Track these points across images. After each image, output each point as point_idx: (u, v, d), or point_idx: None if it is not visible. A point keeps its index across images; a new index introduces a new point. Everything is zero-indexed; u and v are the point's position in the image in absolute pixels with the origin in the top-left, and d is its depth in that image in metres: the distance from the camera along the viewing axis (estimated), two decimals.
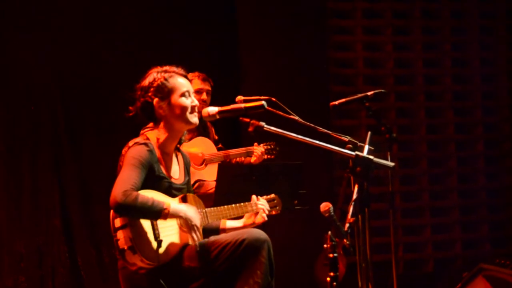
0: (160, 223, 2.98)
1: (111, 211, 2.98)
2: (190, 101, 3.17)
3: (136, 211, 2.89)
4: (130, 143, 3.09)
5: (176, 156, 3.26)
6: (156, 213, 2.93)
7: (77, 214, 5.03)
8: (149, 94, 3.12)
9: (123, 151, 3.08)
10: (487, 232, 6.39)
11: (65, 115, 5.09)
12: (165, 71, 3.16)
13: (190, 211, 3.06)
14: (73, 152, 5.08)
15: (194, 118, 3.17)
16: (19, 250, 4.87)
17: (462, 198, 6.38)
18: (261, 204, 3.35)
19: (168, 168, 3.17)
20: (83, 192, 5.07)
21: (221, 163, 4.21)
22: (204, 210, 3.19)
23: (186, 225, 3.04)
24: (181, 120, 3.14)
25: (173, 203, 3.00)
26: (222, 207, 3.27)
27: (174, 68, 3.19)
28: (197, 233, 3.05)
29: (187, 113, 3.14)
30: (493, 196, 6.46)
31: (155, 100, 3.12)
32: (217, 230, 3.31)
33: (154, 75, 3.15)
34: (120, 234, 2.93)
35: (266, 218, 3.33)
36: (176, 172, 3.22)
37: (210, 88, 4.48)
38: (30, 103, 5.03)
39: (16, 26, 5.02)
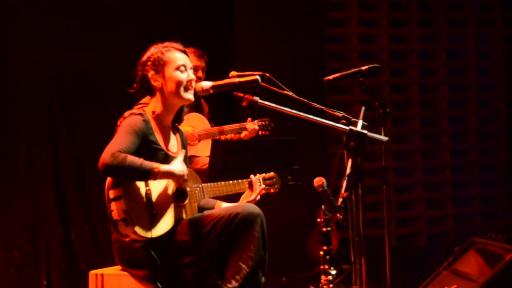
0: (156, 196, 2.98)
1: (106, 182, 2.98)
2: (185, 75, 3.15)
3: (125, 172, 2.88)
4: (126, 113, 3.10)
5: (173, 131, 3.26)
6: (146, 172, 2.92)
7: (71, 190, 5.03)
8: (146, 67, 3.14)
9: (118, 122, 3.09)
10: (478, 207, 6.44)
11: (60, 91, 5.06)
12: (164, 46, 3.18)
13: (179, 168, 3.04)
14: (67, 128, 5.06)
15: (188, 95, 3.16)
16: (13, 226, 4.87)
17: (455, 173, 6.41)
18: (260, 182, 3.35)
19: (165, 140, 3.18)
20: (77, 168, 5.06)
21: (214, 139, 4.21)
22: (200, 185, 3.19)
23: (179, 198, 3.05)
24: (175, 95, 3.14)
25: (163, 165, 3.00)
26: (219, 183, 3.27)
27: (173, 44, 3.20)
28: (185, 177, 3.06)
29: (182, 88, 3.13)
30: (485, 172, 6.50)
31: (151, 73, 3.13)
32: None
33: (152, 50, 3.17)
34: (114, 206, 2.93)
35: (258, 197, 3.33)
36: (174, 146, 3.23)
37: (205, 65, 4.47)
38: (25, 80, 4.99)
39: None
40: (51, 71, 5.05)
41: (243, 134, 4.42)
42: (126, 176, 2.92)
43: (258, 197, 3.35)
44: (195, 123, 4.41)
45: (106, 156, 2.87)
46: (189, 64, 3.19)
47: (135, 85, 3.21)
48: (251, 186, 3.37)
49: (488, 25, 6.54)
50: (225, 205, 3.36)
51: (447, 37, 6.43)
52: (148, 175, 2.93)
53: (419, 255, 5.97)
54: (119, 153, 2.88)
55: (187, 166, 3.27)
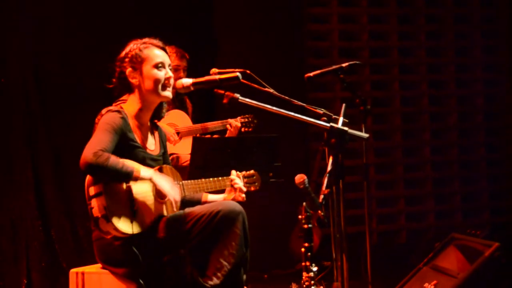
0: (136, 193, 2.97)
1: (86, 179, 2.96)
2: (163, 73, 3.14)
3: (106, 172, 2.87)
4: (103, 111, 3.08)
5: (151, 129, 3.25)
6: (125, 175, 2.91)
7: (50, 187, 4.99)
8: (124, 64, 3.12)
9: (96, 120, 3.07)
10: (459, 203, 6.49)
11: (38, 88, 5.01)
12: (143, 43, 3.16)
13: (161, 180, 3.02)
14: (46, 125, 5.01)
15: (166, 92, 3.14)
16: None
17: (435, 170, 6.46)
18: (238, 181, 3.33)
19: (143, 138, 3.16)
20: (56, 166, 5.02)
21: (195, 136, 4.20)
22: (181, 183, 3.18)
23: (160, 195, 3.03)
24: (153, 92, 3.12)
25: (144, 169, 2.98)
26: (200, 180, 3.25)
27: (152, 40, 3.18)
28: (174, 205, 3.04)
29: (159, 86, 3.12)
30: (465, 168, 6.56)
31: (128, 70, 3.11)
32: (198, 203, 3.31)
33: (131, 46, 3.15)
34: (94, 202, 2.92)
35: (244, 198, 3.32)
36: (152, 144, 3.21)
37: (186, 64, 4.46)
38: (1, 76, 4.94)
39: None
40: (30, 67, 5.00)
41: (227, 133, 4.41)
42: (107, 176, 2.90)
43: (242, 197, 3.32)
44: (177, 120, 4.40)
45: (88, 154, 2.85)
46: (167, 61, 3.18)
47: (114, 80, 3.18)
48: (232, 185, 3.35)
49: (467, 21, 6.60)
50: (211, 196, 3.36)
51: (426, 35, 6.47)
52: (127, 177, 2.92)
53: (400, 251, 6.01)
54: (102, 153, 2.86)
55: (167, 163, 3.26)
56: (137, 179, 2.94)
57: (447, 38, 6.53)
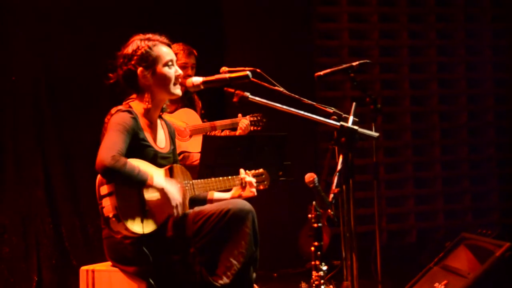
0: (147, 193, 2.96)
1: (97, 178, 2.96)
2: (173, 70, 3.14)
3: (122, 177, 2.87)
4: (113, 110, 3.06)
5: (160, 125, 3.25)
6: (139, 182, 2.92)
7: (61, 185, 5.01)
8: (132, 62, 3.08)
9: (105, 119, 3.06)
10: (469, 202, 6.47)
11: (47, 86, 5.04)
12: (149, 39, 3.12)
13: (172, 189, 3.02)
14: (55, 123, 5.04)
15: (177, 90, 3.15)
16: (3, 222, 4.85)
17: (445, 169, 6.44)
18: (249, 178, 3.33)
19: (153, 137, 3.16)
20: (66, 163, 5.05)
21: (205, 134, 4.20)
22: (191, 182, 3.18)
23: (168, 199, 3.02)
24: (164, 91, 3.12)
25: (157, 177, 2.98)
26: (209, 179, 3.25)
27: (157, 37, 3.15)
28: (178, 209, 3.03)
29: (171, 84, 3.12)
30: (475, 168, 6.52)
31: (139, 69, 3.08)
32: (204, 201, 3.31)
33: (138, 43, 3.10)
34: (105, 202, 2.91)
35: (255, 193, 3.31)
36: (162, 141, 3.21)
37: (194, 62, 4.45)
38: (12, 75, 4.96)
39: None
40: (40, 66, 5.02)
41: (238, 131, 4.41)
42: (121, 180, 2.90)
43: (252, 191, 3.31)
44: (186, 118, 4.40)
45: (106, 157, 2.84)
46: (174, 57, 3.17)
47: (111, 75, 3.12)
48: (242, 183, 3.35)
49: (477, 20, 6.56)
50: (217, 194, 3.35)
51: (436, 33, 6.44)
52: (140, 185, 2.92)
53: (410, 250, 5.99)
54: (119, 157, 2.86)
55: (176, 160, 3.26)
56: (149, 187, 2.94)
57: (458, 37, 6.50)
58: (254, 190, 3.32)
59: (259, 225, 3.10)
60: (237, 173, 3.35)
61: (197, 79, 3.09)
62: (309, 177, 2.72)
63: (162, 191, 2.98)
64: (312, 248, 2.83)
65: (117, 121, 2.99)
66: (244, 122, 4.43)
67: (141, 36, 3.13)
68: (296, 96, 3.12)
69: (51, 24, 5.04)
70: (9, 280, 4.79)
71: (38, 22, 5.00)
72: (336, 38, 6.22)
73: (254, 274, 3.12)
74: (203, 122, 4.45)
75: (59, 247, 4.95)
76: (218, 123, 4.41)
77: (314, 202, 2.76)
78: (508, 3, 6.56)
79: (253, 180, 3.34)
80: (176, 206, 3.00)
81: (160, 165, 3.09)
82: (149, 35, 3.13)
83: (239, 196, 3.31)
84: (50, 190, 4.99)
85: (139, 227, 2.92)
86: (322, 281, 2.81)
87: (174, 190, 3.01)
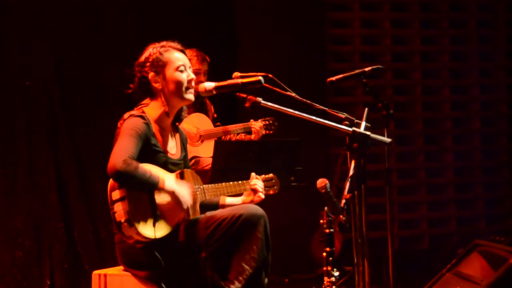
0: (158, 198, 2.98)
1: (109, 183, 2.98)
2: (186, 75, 3.15)
3: (133, 181, 2.89)
4: (126, 115, 3.09)
5: (173, 132, 3.26)
6: (151, 186, 2.93)
7: (73, 189, 5.03)
8: (145, 69, 3.12)
9: (118, 124, 3.08)
10: (482, 209, 6.43)
11: (61, 89, 5.06)
12: (162, 46, 3.16)
13: (183, 191, 3.03)
14: (68, 127, 5.06)
15: (189, 95, 3.15)
16: (16, 226, 4.88)
17: (458, 175, 6.41)
18: (259, 183, 3.34)
19: (165, 143, 3.17)
20: (79, 167, 5.07)
21: (217, 139, 4.21)
22: (202, 187, 3.19)
23: (179, 202, 3.03)
24: (176, 96, 3.13)
25: (168, 180, 3.00)
26: (220, 184, 3.26)
27: (171, 43, 3.18)
28: (189, 211, 3.04)
29: (183, 89, 3.13)
30: (488, 174, 6.49)
31: (151, 74, 3.11)
32: (216, 206, 3.32)
33: (150, 50, 3.15)
34: (117, 207, 2.93)
35: (262, 197, 3.33)
36: (173, 148, 3.22)
37: (207, 68, 4.47)
38: (25, 78, 5.00)
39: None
40: (53, 67, 5.05)
41: (252, 136, 4.42)
42: (133, 184, 2.92)
43: (259, 196, 3.32)
44: (198, 123, 4.41)
45: (118, 161, 2.86)
46: (188, 63, 3.19)
47: (131, 85, 3.18)
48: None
49: (491, 26, 6.54)
50: (229, 200, 3.36)
51: (450, 39, 6.42)
52: (153, 188, 2.94)
53: (422, 257, 5.96)
54: (131, 161, 2.88)
55: (188, 166, 3.27)
56: (161, 190, 2.96)
57: (471, 43, 6.48)
58: (261, 195, 3.33)
59: (271, 230, 3.10)
60: (249, 178, 3.36)
61: (209, 84, 3.10)
62: (321, 182, 2.71)
63: (173, 194, 2.99)
64: (324, 254, 2.82)
65: (129, 126, 3.01)
66: (257, 126, 4.43)
67: (156, 44, 3.17)
68: (308, 102, 3.12)
69: (65, 26, 5.07)
70: (22, 284, 4.81)
71: (52, 24, 5.03)
72: (348, 44, 6.22)
73: (266, 279, 3.12)
74: (215, 126, 4.46)
75: (71, 251, 4.97)
76: (231, 127, 4.42)
77: (326, 208, 2.76)
78: None
79: (261, 184, 3.34)
80: (187, 208, 3.01)
81: (170, 171, 3.10)
82: (163, 42, 3.17)
83: (251, 202, 3.31)
84: (63, 194, 5.01)
85: (151, 231, 2.93)
86: (333, 287, 2.80)
87: (185, 193, 3.03)
